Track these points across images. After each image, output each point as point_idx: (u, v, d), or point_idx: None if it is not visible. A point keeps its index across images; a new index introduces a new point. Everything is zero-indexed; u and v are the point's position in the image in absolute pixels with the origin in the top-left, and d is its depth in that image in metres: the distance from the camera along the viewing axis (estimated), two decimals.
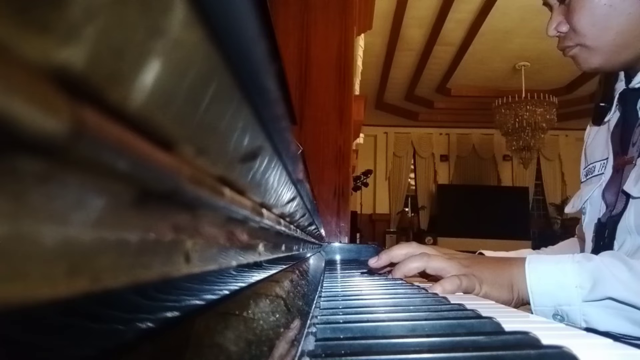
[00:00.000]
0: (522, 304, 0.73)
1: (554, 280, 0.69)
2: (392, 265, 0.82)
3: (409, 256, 0.78)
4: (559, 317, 0.69)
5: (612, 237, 0.80)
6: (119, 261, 0.12)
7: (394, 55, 5.07)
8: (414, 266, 0.76)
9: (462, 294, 0.68)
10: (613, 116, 0.91)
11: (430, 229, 6.81)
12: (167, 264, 0.16)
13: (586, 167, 0.96)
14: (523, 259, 0.73)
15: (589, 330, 0.64)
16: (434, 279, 0.74)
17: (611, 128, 0.90)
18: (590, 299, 0.66)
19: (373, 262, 0.84)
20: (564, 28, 0.84)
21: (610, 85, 0.91)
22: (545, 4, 0.88)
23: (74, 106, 0.08)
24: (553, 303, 0.69)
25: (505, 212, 6.46)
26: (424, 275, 0.80)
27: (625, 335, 0.66)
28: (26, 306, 0.08)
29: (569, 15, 0.82)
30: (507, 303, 0.71)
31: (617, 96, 0.89)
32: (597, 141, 0.94)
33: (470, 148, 7.35)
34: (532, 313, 0.67)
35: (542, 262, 0.71)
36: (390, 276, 0.81)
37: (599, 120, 0.95)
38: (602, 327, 0.66)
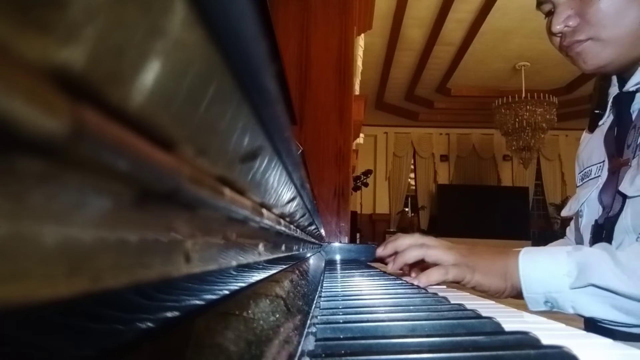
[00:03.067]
0: (514, 294, 0.76)
1: (546, 268, 0.72)
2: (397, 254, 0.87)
3: (411, 246, 0.83)
4: (549, 304, 0.72)
5: (609, 237, 0.81)
6: (119, 261, 0.12)
7: (394, 55, 5.08)
8: (414, 254, 0.81)
9: (463, 294, 0.68)
10: (607, 120, 0.91)
11: (431, 229, 6.81)
12: (167, 264, 0.16)
13: (582, 172, 0.96)
14: (519, 250, 0.76)
15: (588, 329, 0.65)
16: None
17: (604, 132, 0.90)
18: (576, 286, 0.69)
19: (380, 251, 0.90)
20: (573, 22, 0.82)
21: (604, 92, 0.91)
22: (545, 2, 0.86)
23: (74, 106, 0.08)
24: (543, 290, 0.72)
25: (505, 212, 6.47)
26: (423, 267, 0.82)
27: (612, 322, 0.69)
28: (26, 306, 0.08)
29: (585, 6, 0.80)
30: (499, 292, 0.75)
31: (610, 100, 0.89)
32: (592, 145, 0.94)
33: (470, 148, 7.35)
34: (525, 308, 0.68)
35: (537, 252, 0.75)
36: (393, 264, 0.85)
37: (594, 127, 0.95)
38: (587, 313, 0.69)
